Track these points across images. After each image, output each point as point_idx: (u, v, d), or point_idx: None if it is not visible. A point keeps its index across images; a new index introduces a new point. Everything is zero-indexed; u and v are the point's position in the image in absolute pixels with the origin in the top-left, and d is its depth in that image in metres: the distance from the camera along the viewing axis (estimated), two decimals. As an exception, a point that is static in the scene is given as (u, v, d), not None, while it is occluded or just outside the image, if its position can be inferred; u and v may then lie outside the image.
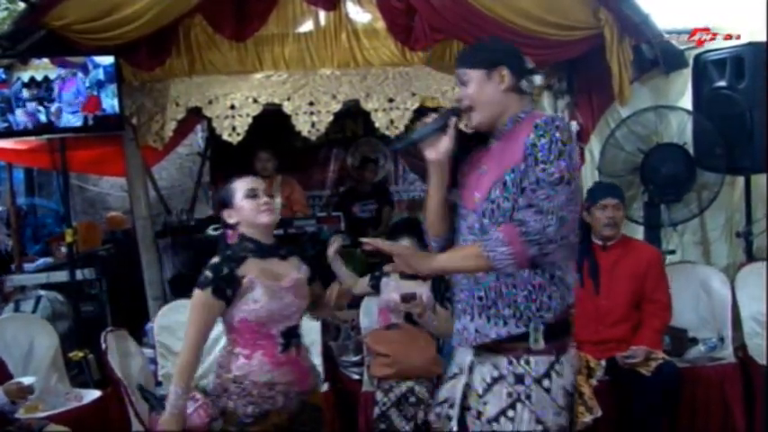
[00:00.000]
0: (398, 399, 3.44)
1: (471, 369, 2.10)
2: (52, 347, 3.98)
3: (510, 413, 2.00)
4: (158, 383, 3.96)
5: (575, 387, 2.08)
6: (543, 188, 1.90)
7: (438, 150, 2.10)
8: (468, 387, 2.10)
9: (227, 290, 2.41)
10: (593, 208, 3.70)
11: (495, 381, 2.03)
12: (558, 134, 1.93)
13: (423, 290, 3.61)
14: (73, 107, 4.26)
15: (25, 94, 4.19)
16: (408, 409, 3.44)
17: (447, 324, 3.77)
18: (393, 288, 3.66)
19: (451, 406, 2.13)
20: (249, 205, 2.51)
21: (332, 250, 3.63)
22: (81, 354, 4.24)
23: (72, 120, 4.27)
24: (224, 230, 2.58)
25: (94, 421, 3.65)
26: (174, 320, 4.09)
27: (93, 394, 3.83)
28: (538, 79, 2.23)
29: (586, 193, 3.80)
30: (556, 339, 2.02)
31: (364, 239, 2.14)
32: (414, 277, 3.73)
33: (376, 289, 3.77)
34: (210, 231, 2.58)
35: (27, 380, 3.21)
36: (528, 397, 1.99)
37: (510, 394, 2.01)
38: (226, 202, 2.55)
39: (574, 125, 4.68)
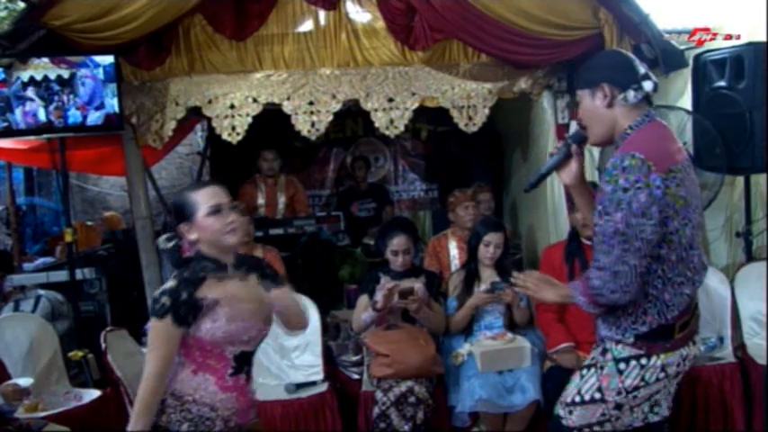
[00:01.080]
0: (398, 398, 3.45)
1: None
2: (52, 347, 3.98)
3: (583, 371, 2.41)
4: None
5: (652, 394, 2.38)
6: (603, 241, 2.17)
7: (569, 175, 2.42)
8: None
9: (189, 316, 2.20)
10: (573, 210, 3.75)
11: (594, 350, 2.42)
12: (622, 179, 2.09)
13: (418, 285, 3.64)
14: (75, 107, 4.25)
15: (28, 92, 4.19)
16: (408, 408, 3.45)
17: (441, 319, 3.80)
18: (387, 283, 3.68)
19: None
20: (214, 224, 2.27)
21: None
22: (81, 353, 4.24)
23: (74, 119, 4.26)
24: (177, 243, 2.34)
25: (94, 421, 3.65)
26: (174, 320, 4.09)
27: (93, 394, 3.83)
28: (647, 86, 2.27)
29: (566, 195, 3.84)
30: (648, 340, 2.28)
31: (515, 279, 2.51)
32: (407, 276, 3.79)
33: (372, 293, 3.79)
34: (162, 243, 2.29)
35: (24, 381, 3.22)
36: (602, 367, 2.34)
37: (592, 359, 2.40)
38: (185, 216, 2.30)
39: (573, 125, 4.69)
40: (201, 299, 2.21)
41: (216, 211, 2.27)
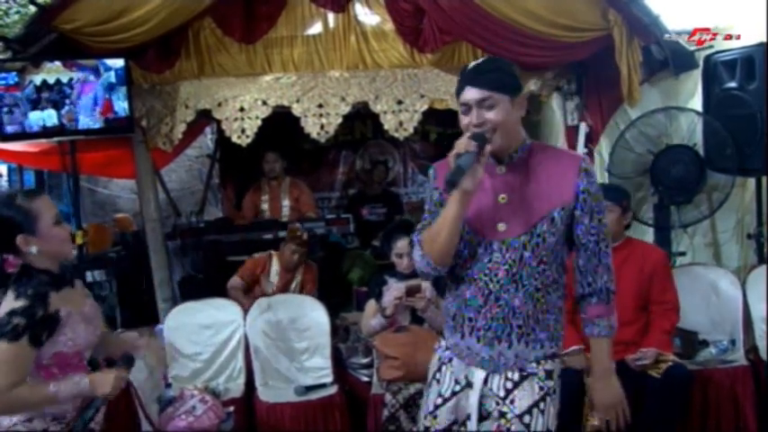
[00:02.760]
0: (407, 401, 3.45)
1: (486, 380, 2.12)
2: None
3: (541, 405, 2.09)
4: (168, 385, 3.97)
5: None
6: (604, 240, 2.12)
7: (474, 180, 1.95)
8: (481, 397, 2.12)
9: (44, 334, 2.08)
10: None
11: (524, 378, 2.10)
12: (595, 178, 2.11)
13: (425, 284, 3.64)
14: (86, 110, 4.28)
15: (38, 95, 4.22)
16: (417, 411, 3.43)
17: None
18: (396, 289, 3.67)
19: (463, 423, 2.13)
20: (60, 234, 2.19)
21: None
22: (91, 355, 4.25)
23: (87, 122, 4.29)
24: (2, 257, 2.19)
25: (104, 421, 3.65)
26: (184, 322, 4.11)
27: (103, 396, 3.83)
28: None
29: None
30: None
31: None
32: (413, 278, 3.78)
33: (379, 296, 3.78)
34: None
35: None
36: (554, 391, 2.13)
37: (542, 388, 2.10)
38: (23, 227, 2.12)
39: (583, 126, 4.68)
40: (56, 312, 2.10)
41: (59, 221, 2.20)
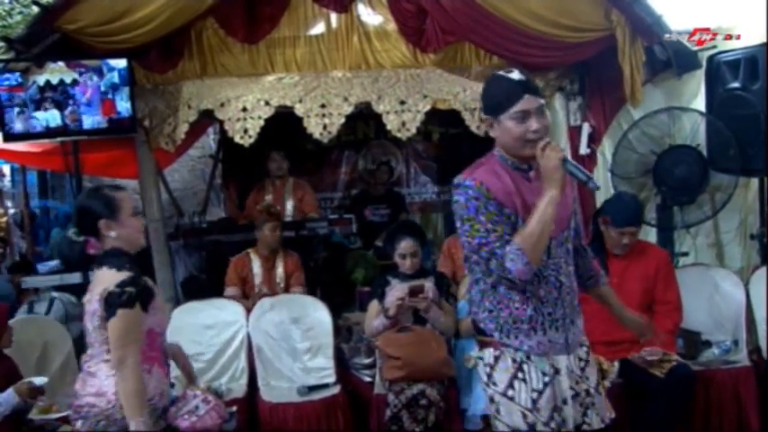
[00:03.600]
0: (409, 401, 3.45)
1: (567, 365, 2.31)
2: (65, 349, 4.01)
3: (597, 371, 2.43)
4: (171, 385, 3.97)
5: None
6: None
7: (562, 184, 2.17)
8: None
9: (149, 302, 2.39)
10: (611, 227, 3.64)
11: (588, 353, 2.39)
12: None
13: (428, 285, 3.64)
14: (89, 110, 4.28)
15: (42, 96, 4.23)
16: (419, 411, 3.45)
17: (451, 320, 3.80)
18: (398, 290, 3.68)
19: (558, 409, 2.26)
20: (136, 224, 2.50)
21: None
22: (94, 355, 4.25)
23: (90, 123, 4.30)
24: (85, 240, 2.47)
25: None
26: (187, 322, 4.11)
27: (106, 395, 3.83)
28: None
29: (607, 206, 3.74)
30: None
31: None
32: (416, 278, 3.79)
33: (382, 297, 3.79)
34: (73, 236, 2.49)
35: (38, 380, 3.23)
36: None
37: (595, 360, 2.45)
38: (107, 214, 2.43)
39: (586, 127, 4.67)
40: (150, 286, 2.42)
41: (137, 212, 2.51)
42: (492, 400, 2.30)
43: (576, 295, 2.34)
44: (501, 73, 2.25)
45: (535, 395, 2.23)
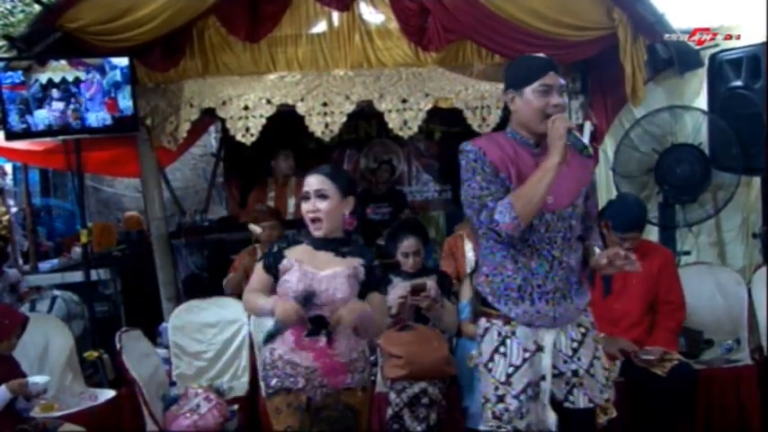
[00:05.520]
0: (411, 399, 3.44)
1: (555, 342, 2.39)
2: (67, 347, 4.01)
3: (597, 354, 2.45)
4: (172, 383, 3.98)
5: None
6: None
7: (565, 152, 2.27)
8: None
9: (273, 267, 2.55)
10: (612, 232, 3.59)
11: (584, 335, 2.44)
12: None
13: (430, 284, 3.64)
14: (91, 108, 4.28)
15: (44, 94, 4.23)
16: (421, 409, 3.44)
17: (453, 318, 3.79)
18: (401, 288, 3.68)
19: (536, 384, 2.38)
20: (303, 208, 2.61)
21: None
22: (96, 354, 4.27)
23: (92, 121, 4.30)
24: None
25: (109, 421, 3.67)
26: (188, 321, 4.11)
27: (108, 394, 3.84)
28: None
29: (610, 209, 3.69)
30: None
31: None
32: (418, 277, 3.78)
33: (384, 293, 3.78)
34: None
35: (41, 379, 3.23)
36: (596, 340, 2.48)
37: (593, 340, 2.46)
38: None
39: (588, 125, 4.66)
40: (284, 256, 2.53)
41: (303, 197, 2.60)
42: (477, 367, 2.50)
43: (573, 273, 2.41)
44: (527, 54, 2.47)
45: (511, 369, 2.37)
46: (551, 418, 2.37)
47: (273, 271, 2.58)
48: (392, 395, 3.49)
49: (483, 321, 2.47)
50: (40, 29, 4.19)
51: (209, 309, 4.17)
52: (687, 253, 4.42)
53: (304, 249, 2.58)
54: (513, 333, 2.38)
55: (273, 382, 2.54)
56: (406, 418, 3.42)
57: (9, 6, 8.28)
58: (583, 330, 2.44)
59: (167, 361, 4.07)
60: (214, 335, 4.11)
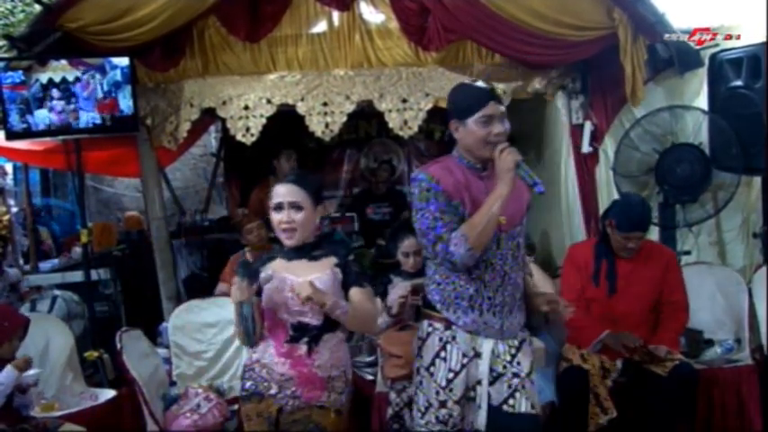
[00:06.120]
0: (411, 399, 3.43)
1: (493, 349, 2.49)
2: (68, 347, 4.01)
3: (533, 363, 2.57)
4: (173, 383, 3.98)
5: None
6: None
7: (510, 185, 2.38)
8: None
9: (249, 277, 2.47)
10: (616, 231, 3.59)
11: (521, 343, 2.55)
12: None
13: None
14: (92, 108, 4.28)
15: (44, 94, 4.23)
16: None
17: None
18: (401, 288, 3.67)
19: (473, 388, 2.48)
20: (274, 219, 2.54)
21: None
22: (96, 353, 4.27)
23: (92, 121, 4.30)
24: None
25: (109, 420, 3.67)
26: (189, 320, 4.12)
27: (108, 394, 3.85)
28: None
29: (614, 208, 3.68)
30: None
31: None
32: (418, 277, 3.77)
33: (384, 294, 3.78)
34: None
35: (31, 371, 3.22)
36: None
37: (532, 351, 2.59)
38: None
39: (588, 125, 4.67)
40: (260, 270, 2.51)
41: (276, 207, 2.52)
42: (418, 371, 2.57)
43: (518, 290, 2.54)
44: (467, 82, 2.57)
45: (451, 375, 2.47)
46: (482, 419, 2.46)
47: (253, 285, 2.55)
48: (392, 395, 3.49)
49: (425, 325, 2.56)
50: (40, 29, 4.19)
51: (209, 309, 4.17)
52: (687, 253, 4.42)
53: (279, 263, 2.57)
54: (454, 338, 2.49)
55: (248, 384, 2.53)
56: (406, 418, 3.42)
57: (9, 6, 8.27)
58: (520, 339, 2.55)
59: (167, 361, 4.08)
60: (214, 335, 4.11)
